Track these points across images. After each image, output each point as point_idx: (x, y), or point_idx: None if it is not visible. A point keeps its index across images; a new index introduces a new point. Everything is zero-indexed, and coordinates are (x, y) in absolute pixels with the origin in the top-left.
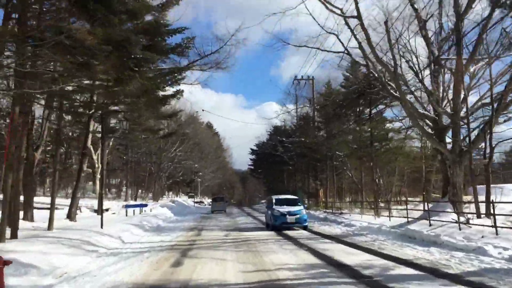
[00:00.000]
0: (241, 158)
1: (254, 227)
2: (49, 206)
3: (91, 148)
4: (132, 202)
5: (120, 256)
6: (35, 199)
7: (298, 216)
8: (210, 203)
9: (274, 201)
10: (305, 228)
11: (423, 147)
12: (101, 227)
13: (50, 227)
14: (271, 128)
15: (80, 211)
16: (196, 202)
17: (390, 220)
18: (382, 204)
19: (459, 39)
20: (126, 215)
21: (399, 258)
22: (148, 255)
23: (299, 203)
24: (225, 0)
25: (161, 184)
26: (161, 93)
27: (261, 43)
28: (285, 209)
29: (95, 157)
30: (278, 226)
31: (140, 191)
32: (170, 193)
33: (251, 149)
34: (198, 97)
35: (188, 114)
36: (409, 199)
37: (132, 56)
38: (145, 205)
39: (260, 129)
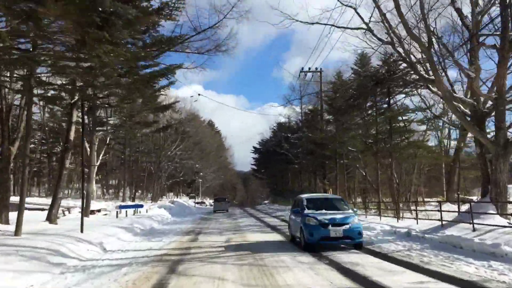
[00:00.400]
0: (243, 159)
1: (259, 230)
2: (44, 206)
3: (87, 145)
4: (126, 203)
5: (91, 272)
6: (28, 199)
7: (347, 227)
8: (212, 203)
9: (305, 202)
10: (359, 246)
11: (441, 141)
12: (81, 231)
13: (17, 232)
14: (274, 125)
15: (69, 212)
16: (197, 203)
17: (417, 223)
18: (401, 205)
19: (505, 9)
20: (117, 217)
21: (460, 279)
22: (126, 270)
23: (345, 206)
24: None
25: (161, 185)
26: (147, 71)
27: (268, 39)
28: (325, 215)
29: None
30: (315, 242)
31: (139, 191)
32: (171, 193)
33: (254, 147)
34: (200, 99)
35: (188, 111)
36: (426, 199)
37: (100, 9)
38: (140, 206)
39: (263, 126)
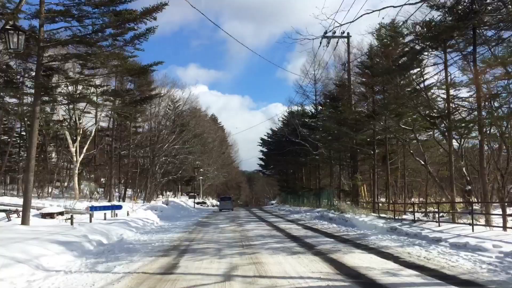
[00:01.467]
0: (247, 160)
1: (279, 245)
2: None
3: (68, 136)
4: (101, 203)
5: None
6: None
7: None
8: (214, 204)
9: None
10: None
11: None
12: None
13: None
14: (284, 114)
15: (18, 216)
16: (198, 203)
17: None
18: (477, 207)
19: None
20: (72, 224)
21: None
22: None
23: None
24: None
25: (155, 182)
26: None
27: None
28: None
29: (72, 148)
30: None
31: (132, 190)
32: (169, 193)
33: (262, 139)
34: (205, 99)
35: (187, 100)
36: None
37: None
38: (118, 207)
39: (267, 126)
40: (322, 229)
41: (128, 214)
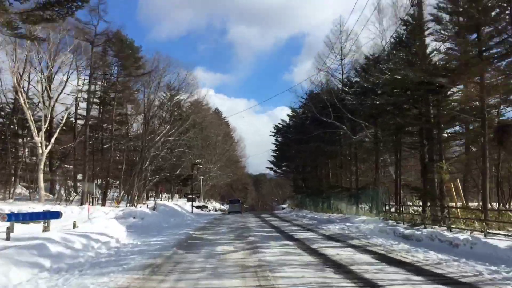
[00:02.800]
0: (253, 163)
1: None
2: None
3: (30, 120)
4: (30, 209)
5: None
6: None
7: None
8: (221, 206)
9: None
10: None
11: None
12: None
13: None
14: (302, 97)
15: None
16: (198, 207)
17: None
18: None
19: None
20: None
21: None
22: None
23: None
24: None
25: (144, 182)
26: None
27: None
28: None
29: (37, 138)
30: None
31: (117, 191)
32: (167, 195)
33: (276, 126)
34: (211, 102)
35: (184, 83)
36: None
37: None
38: (54, 215)
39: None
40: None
41: (75, 226)
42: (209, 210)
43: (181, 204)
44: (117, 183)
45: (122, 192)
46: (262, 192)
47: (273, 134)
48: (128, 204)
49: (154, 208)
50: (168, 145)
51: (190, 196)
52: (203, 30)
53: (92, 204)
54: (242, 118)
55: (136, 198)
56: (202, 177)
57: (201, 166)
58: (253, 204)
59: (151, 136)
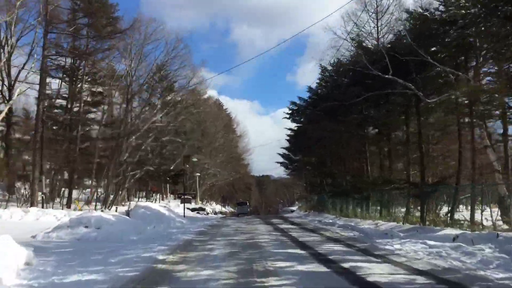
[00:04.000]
0: (256, 165)
1: None
2: None
3: None
4: None
5: None
6: None
7: None
8: (222, 208)
9: None
10: None
11: None
12: None
13: None
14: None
15: None
16: (194, 210)
17: None
18: None
19: None
20: None
21: None
22: None
23: None
24: None
25: (123, 179)
26: None
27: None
28: None
29: None
30: None
31: (91, 190)
32: (158, 195)
33: (292, 104)
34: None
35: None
36: None
37: None
38: None
39: (275, 132)
40: None
41: None
42: (207, 213)
43: (172, 206)
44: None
45: (95, 190)
46: (265, 193)
47: (289, 115)
48: (102, 207)
49: (128, 213)
50: (155, 132)
51: (184, 196)
52: (206, 30)
53: (43, 206)
54: (245, 121)
55: (111, 198)
56: (198, 174)
57: (195, 159)
58: (256, 206)
59: (134, 122)
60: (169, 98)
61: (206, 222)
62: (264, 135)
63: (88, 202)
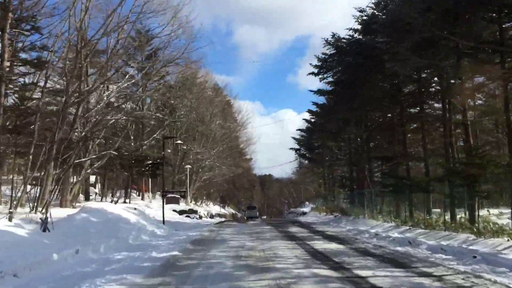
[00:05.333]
0: (260, 165)
1: None
2: None
3: None
4: None
5: None
6: None
7: None
8: (221, 210)
9: None
10: None
11: None
12: None
13: None
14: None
15: None
16: (182, 213)
17: None
18: None
19: None
20: None
21: None
22: None
23: None
24: None
25: (67, 168)
26: None
27: None
28: None
29: None
30: None
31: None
32: (142, 194)
33: (328, 43)
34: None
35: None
36: None
37: None
38: None
39: (277, 134)
40: None
41: None
42: (200, 217)
43: (154, 208)
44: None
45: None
46: (268, 193)
47: (316, 70)
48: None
49: (43, 222)
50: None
51: (166, 194)
52: (208, 31)
53: None
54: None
55: (48, 196)
56: (189, 166)
57: (179, 142)
58: (259, 207)
59: (89, 88)
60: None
61: (192, 234)
62: (266, 136)
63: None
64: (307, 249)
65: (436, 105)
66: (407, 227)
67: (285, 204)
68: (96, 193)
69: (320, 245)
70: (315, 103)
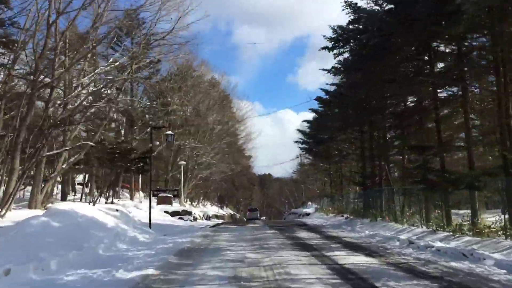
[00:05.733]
0: (258, 165)
1: None
2: None
3: None
4: None
5: None
6: None
7: None
8: (218, 211)
9: None
10: None
11: None
12: None
13: None
14: None
15: None
16: (175, 214)
17: None
18: None
19: None
20: None
21: None
22: None
23: None
24: None
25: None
26: None
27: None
28: None
29: None
30: None
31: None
32: (142, 193)
33: (349, 5)
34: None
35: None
36: None
37: None
38: None
39: (276, 134)
40: None
41: None
42: (195, 219)
43: (142, 210)
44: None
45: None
46: (267, 193)
47: (330, 43)
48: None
49: None
50: (101, 86)
51: (161, 194)
52: (208, 31)
53: None
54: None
55: (10, 195)
56: (183, 163)
57: (169, 133)
58: (258, 207)
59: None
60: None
61: (181, 240)
62: (265, 136)
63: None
64: (330, 266)
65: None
66: (448, 233)
67: (285, 204)
68: (86, 194)
69: (344, 258)
70: (325, 90)
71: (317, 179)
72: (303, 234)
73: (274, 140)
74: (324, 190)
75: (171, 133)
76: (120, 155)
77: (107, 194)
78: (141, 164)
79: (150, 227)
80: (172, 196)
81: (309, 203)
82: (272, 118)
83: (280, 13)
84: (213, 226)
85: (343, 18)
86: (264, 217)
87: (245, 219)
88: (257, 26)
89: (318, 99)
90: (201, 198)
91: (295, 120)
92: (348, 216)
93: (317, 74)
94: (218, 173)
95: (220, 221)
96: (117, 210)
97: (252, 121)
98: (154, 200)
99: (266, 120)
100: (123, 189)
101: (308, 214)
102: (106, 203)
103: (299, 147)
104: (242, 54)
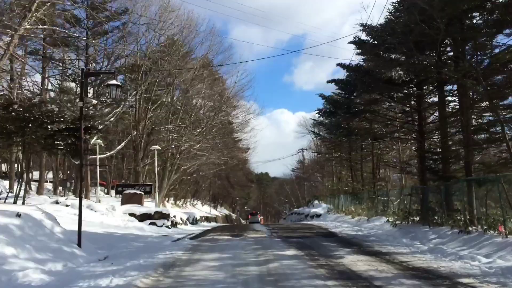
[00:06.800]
0: (255, 165)
1: None
2: None
3: None
4: None
5: None
6: None
7: None
8: (213, 212)
9: None
10: None
11: None
12: None
13: None
14: None
15: None
16: (145, 218)
17: None
18: None
19: None
20: None
21: None
22: None
23: None
24: None
25: None
26: None
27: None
28: None
29: None
30: None
31: None
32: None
33: None
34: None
35: None
36: None
37: None
38: None
39: (273, 134)
40: None
41: None
42: (174, 224)
43: (98, 212)
44: None
45: None
46: (265, 192)
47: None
48: None
49: None
50: None
51: (128, 191)
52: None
53: None
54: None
55: None
56: (156, 147)
57: (114, 82)
58: (255, 207)
59: None
60: None
61: (119, 279)
62: (263, 136)
63: None
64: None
65: None
66: None
67: (286, 204)
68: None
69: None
70: (361, 41)
71: (324, 175)
72: (349, 258)
73: (270, 140)
74: (338, 186)
75: (118, 83)
76: (34, 123)
77: (19, 187)
78: (73, 139)
79: (79, 244)
80: (142, 193)
81: (316, 201)
82: (268, 117)
83: (276, 13)
84: (196, 237)
85: (342, 18)
86: (262, 217)
87: (244, 222)
88: (253, 26)
89: (357, 42)
90: (190, 196)
91: (291, 120)
92: (394, 221)
93: (313, 73)
94: (209, 166)
95: (211, 225)
96: (19, 215)
97: (247, 106)
98: (117, 198)
99: (262, 120)
100: (101, 186)
101: (318, 216)
102: (55, 202)
103: (313, 132)
104: (238, 53)
